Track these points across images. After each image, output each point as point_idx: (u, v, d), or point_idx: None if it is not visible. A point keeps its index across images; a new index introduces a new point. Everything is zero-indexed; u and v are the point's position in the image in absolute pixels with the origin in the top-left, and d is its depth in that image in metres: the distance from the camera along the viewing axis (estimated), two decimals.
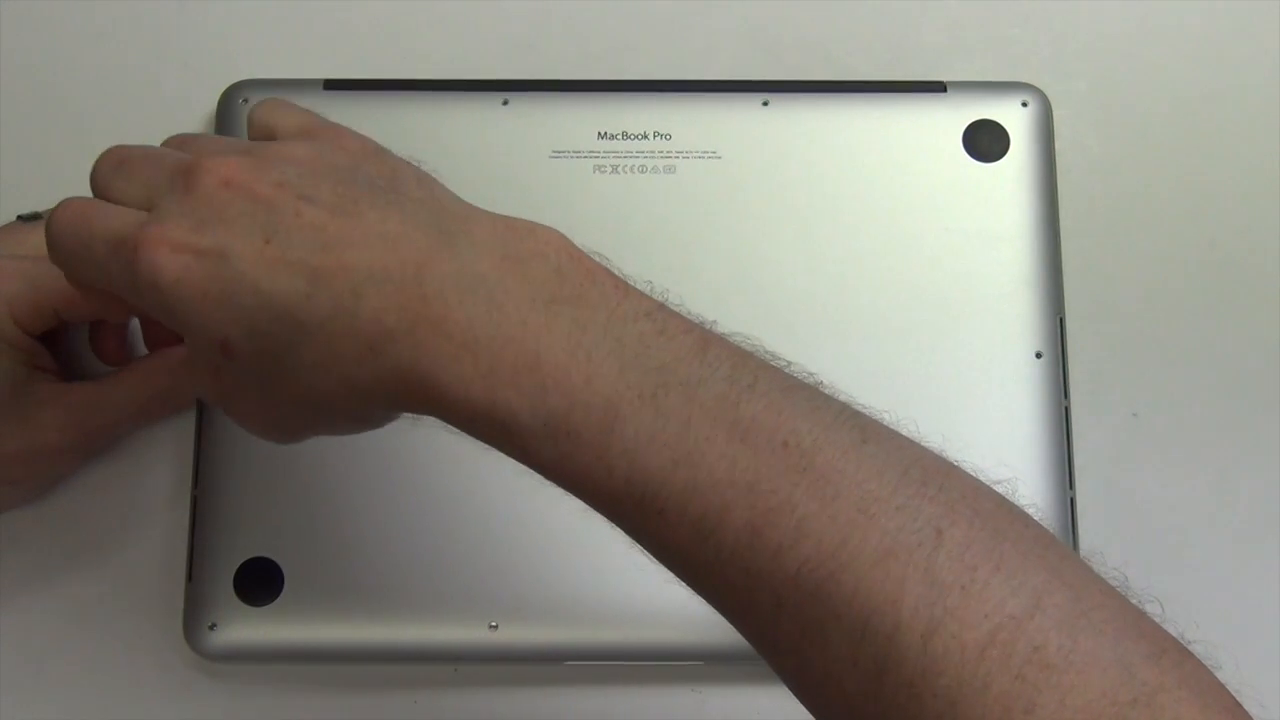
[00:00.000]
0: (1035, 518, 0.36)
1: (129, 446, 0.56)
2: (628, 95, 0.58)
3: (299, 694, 0.54)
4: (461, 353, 0.36)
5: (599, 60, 0.60)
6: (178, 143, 0.43)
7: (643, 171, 0.56)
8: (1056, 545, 0.36)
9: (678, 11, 0.61)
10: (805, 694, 0.36)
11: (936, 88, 0.58)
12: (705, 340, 0.37)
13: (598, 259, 0.39)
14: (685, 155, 0.56)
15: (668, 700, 0.53)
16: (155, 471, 0.55)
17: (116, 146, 0.43)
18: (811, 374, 0.38)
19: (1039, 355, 0.55)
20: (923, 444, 0.38)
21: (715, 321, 0.39)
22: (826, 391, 0.38)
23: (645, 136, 0.57)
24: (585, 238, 0.55)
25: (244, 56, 0.60)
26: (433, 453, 0.53)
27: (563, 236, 0.39)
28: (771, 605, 0.35)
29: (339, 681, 0.54)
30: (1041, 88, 0.58)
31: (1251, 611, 0.55)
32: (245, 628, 0.52)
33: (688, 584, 0.38)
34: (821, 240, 0.56)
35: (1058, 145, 0.58)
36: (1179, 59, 0.61)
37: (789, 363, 0.39)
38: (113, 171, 0.41)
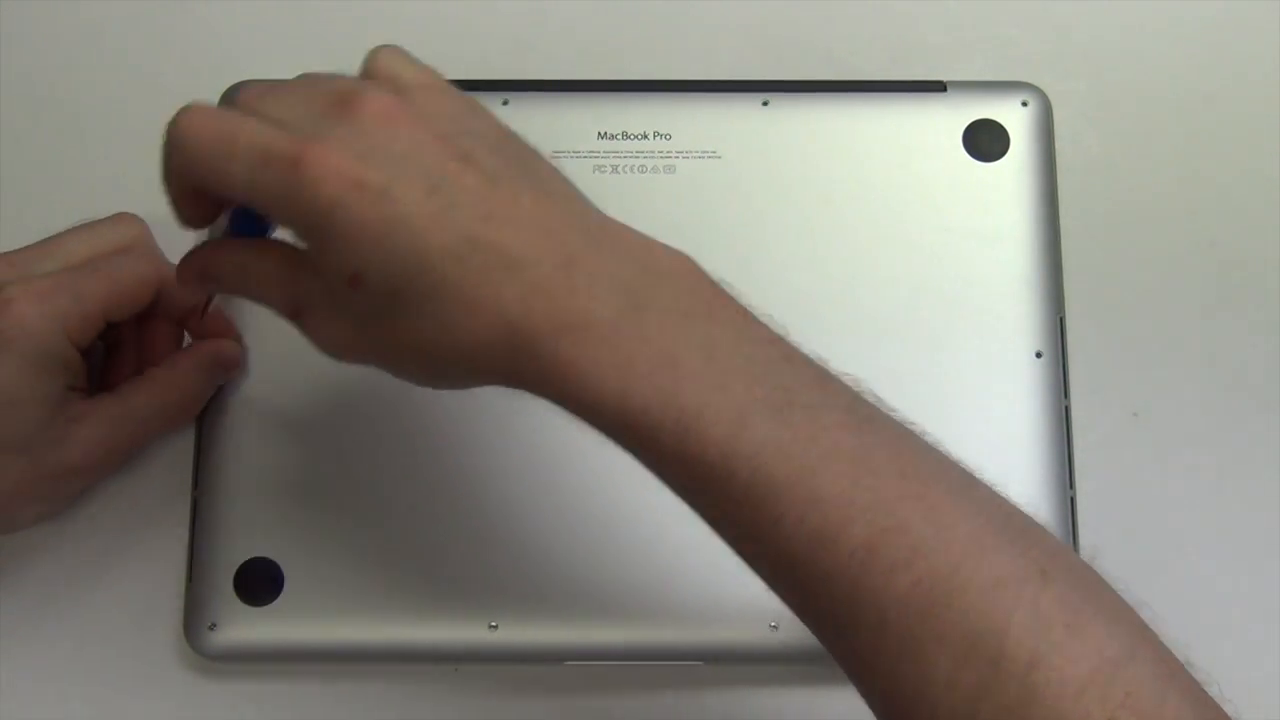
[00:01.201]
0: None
1: None
2: (628, 95, 0.58)
3: (299, 694, 0.54)
4: (601, 344, 0.37)
5: (599, 60, 0.60)
6: (312, 76, 0.43)
7: (643, 171, 0.56)
8: (1136, 611, 0.38)
9: (678, 11, 0.61)
10: (891, 714, 0.37)
11: (936, 88, 0.58)
12: (825, 374, 0.40)
13: (724, 285, 0.40)
14: (685, 155, 0.57)
15: (668, 700, 0.53)
16: (155, 471, 0.55)
17: (260, 80, 0.43)
18: (914, 423, 0.40)
19: (1039, 355, 0.55)
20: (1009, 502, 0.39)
21: (828, 361, 0.41)
22: (930, 442, 0.40)
23: (645, 136, 0.57)
24: None
25: (244, 56, 0.60)
26: (433, 453, 0.53)
27: (693, 260, 0.40)
28: (875, 622, 0.36)
29: (339, 681, 0.54)
30: (1041, 88, 0.58)
31: (1252, 611, 0.55)
32: (245, 628, 0.52)
33: (788, 596, 0.39)
34: (821, 240, 0.56)
35: (1058, 145, 0.58)
36: (1179, 59, 0.61)
37: (893, 409, 0.40)
38: (263, 92, 0.41)
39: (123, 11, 0.61)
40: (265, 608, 0.52)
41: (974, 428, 0.54)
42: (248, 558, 0.52)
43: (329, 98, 0.40)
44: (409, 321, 0.38)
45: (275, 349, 0.55)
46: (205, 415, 0.54)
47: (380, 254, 0.38)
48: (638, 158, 0.56)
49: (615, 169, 0.56)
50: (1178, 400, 0.57)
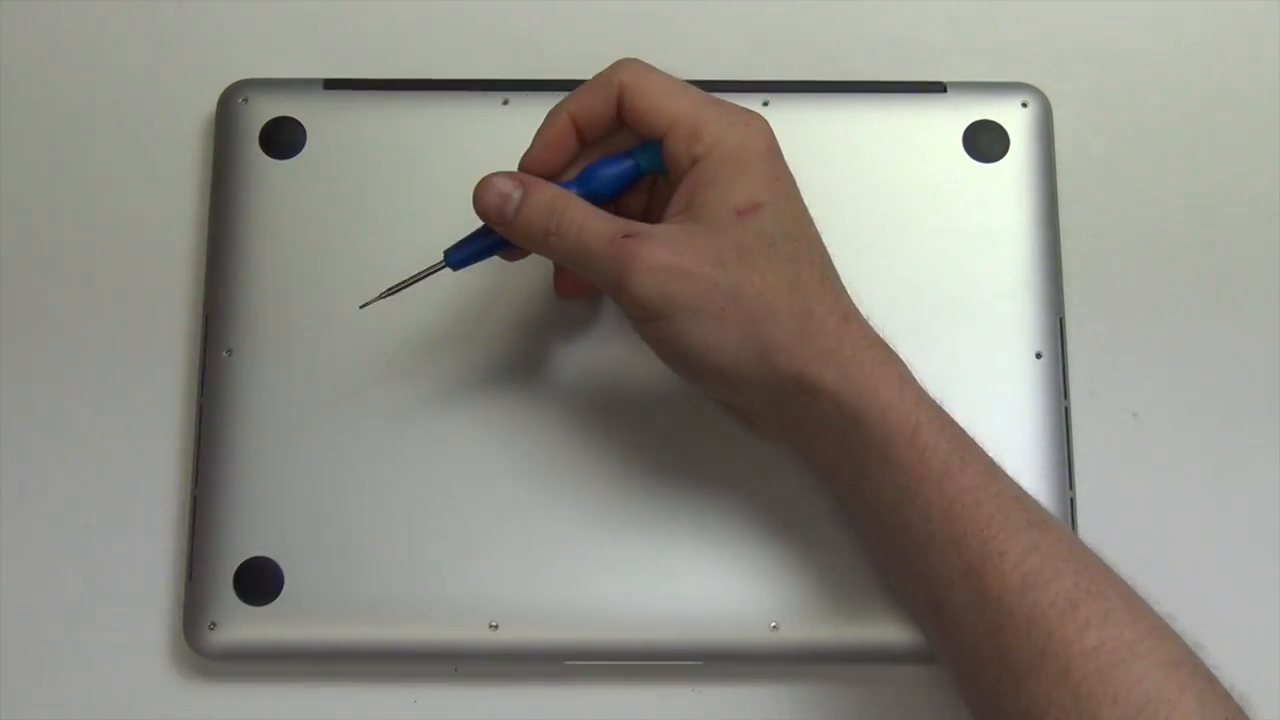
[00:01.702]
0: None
1: (129, 445, 0.56)
2: None
3: (299, 694, 0.54)
4: (901, 369, 0.46)
5: (599, 60, 0.60)
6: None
7: None
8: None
9: (678, 11, 0.61)
10: None
11: (936, 88, 0.58)
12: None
13: None
14: None
15: (668, 700, 0.53)
16: (155, 471, 0.55)
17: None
18: None
19: (1039, 355, 0.55)
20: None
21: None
22: None
23: None
24: None
25: (244, 56, 0.60)
26: (433, 453, 0.53)
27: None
28: (1058, 672, 0.40)
29: (339, 681, 0.54)
30: (1041, 88, 0.58)
31: (1252, 611, 0.54)
32: (245, 627, 0.52)
33: (984, 641, 0.42)
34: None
35: (1058, 145, 0.58)
36: (1179, 59, 0.61)
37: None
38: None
39: (123, 12, 0.61)
40: (265, 607, 0.52)
41: (974, 428, 0.53)
42: (248, 557, 0.52)
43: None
44: (773, 264, 0.44)
45: (276, 349, 0.55)
46: (205, 415, 0.54)
47: (782, 204, 0.45)
48: None
49: None
50: (1178, 400, 0.57)
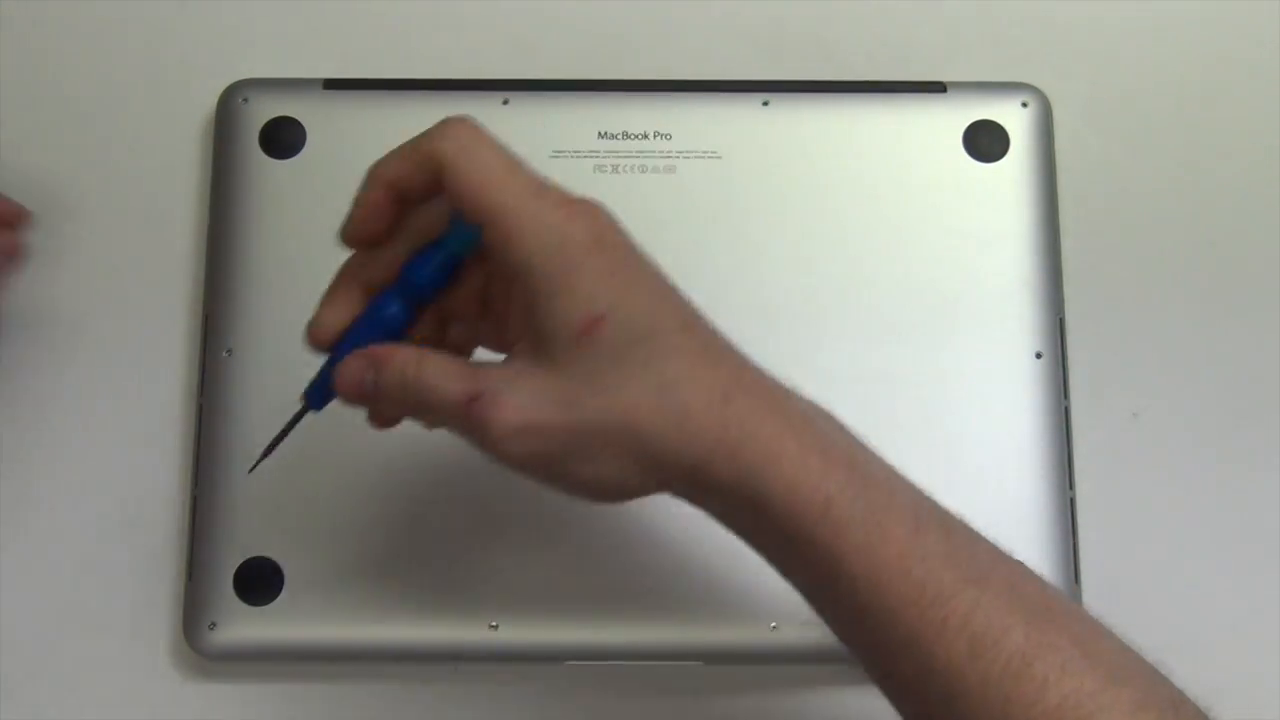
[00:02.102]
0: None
1: (129, 444, 0.56)
2: (628, 95, 0.58)
3: (299, 694, 0.54)
4: (802, 431, 0.40)
5: (599, 60, 0.60)
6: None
7: (643, 171, 0.56)
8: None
9: (678, 11, 0.61)
10: None
11: (936, 88, 0.58)
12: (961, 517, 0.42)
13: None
14: (685, 155, 0.57)
15: (668, 700, 0.53)
16: (155, 471, 0.55)
17: None
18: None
19: (1039, 355, 0.55)
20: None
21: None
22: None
23: (645, 136, 0.57)
24: None
25: (244, 56, 0.60)
26: (433, 454, 0.53)
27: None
28: None
29: (339, 681, 0.54)
30: (1041, 88, 0.58)
31: (1251, 611, 0.54)
32: (245, 627, 0.52)
33: (939, 710, 0.40)
34: (822, 240, 0.56)
35: (1058, 145, 0.58)
36: (1179, 59, 0.61)
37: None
38: None
39: (123, 12, 0.61)
40: (265, 607, 0.52)
41: (974, 428, 0.54)
42: (248, 557, 0.52)
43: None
44: (629, 377, 0.40)
45: (276, 349, 0.55)
46: (205, 415, 0.54)
47: (627, 300, 0.40)
48: (638, 158, 0.56)
49: (615, 169, 0.56)
50: (1178, 400, 0.57)
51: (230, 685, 0.54)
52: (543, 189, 0.41)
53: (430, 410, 0.42)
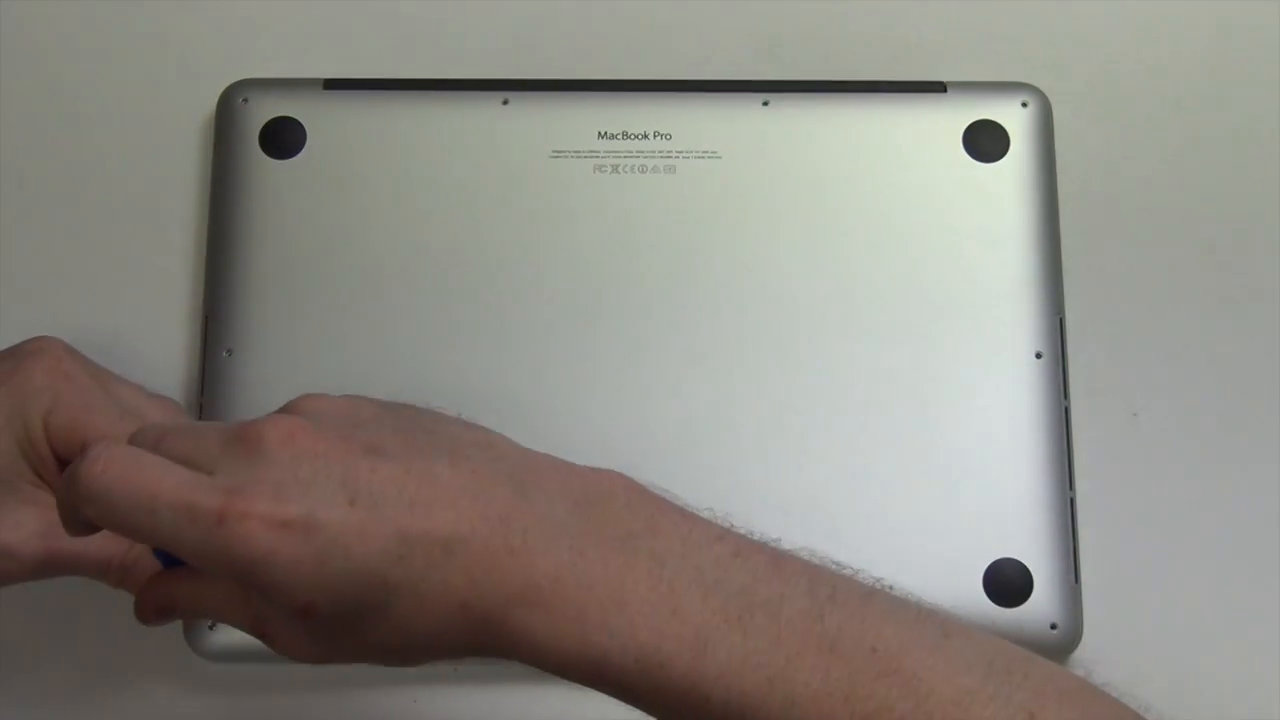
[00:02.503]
0: (1114, 694, 0.38)
1: None
2: (628, 95, 0.58)
3: (299, 694, 0.54)
4: (552, 601, 0.37)
5: (599, 60, 0.60)
6: (196, 425, 0.43)
7: (643, 171, 0.56)
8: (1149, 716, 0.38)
9: (678, 11, 0.61)
10: None
11: (936, 88, 0.58)
12: (779, 558, 0.39)
13: (660, 492, 0.40)
14: (685, 155, 0.57)
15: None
16: None
17: (153, 424, 0.41)
18: (879, 579, 0.40)
19: (1039, 355, 0.54)
20: (992, 636, 0.39)
21: (779, 539, 0.40)
22: (899, 595, 0.39)
23: (645, 136, 0.57)
24: (585, 238, 0.56)
25: (244, 56, 0.60)
26: None
27: (624, 475, 0.40)
28: None
29: (338, 681, 0.54)
30: (1041, 88, 0.58)
31: (1251, 610, 0.54)
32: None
33: None
34: (822, 240, 0.56)
35: (1058, 145, 0.58)
36: (1179, 59, 0.61)
37: (856, 570, 0.40)
38: (156, 438, 0.40)
39: (123, 12, 0.61)
40: None
41: (974, 428, 0.54)
42: None
43: (230, 438, 0.39)
44: (370, 629, 0.38)
45: (276, 349, 0.55)
46: (206, 415, 0.54)
47: (324, 581, 0.37)
48: (638, 158, 0.56)
49: (615, 169, 0.56)
50: (1178, 400, 0.57)
51: (230, 685, 0.54)
52: (192, 511, 0.37)
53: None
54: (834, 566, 0.39)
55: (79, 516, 0.39)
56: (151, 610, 0.43)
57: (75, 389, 0.48)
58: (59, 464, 0.48)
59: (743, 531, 0.40)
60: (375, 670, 0.53)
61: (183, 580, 0.42)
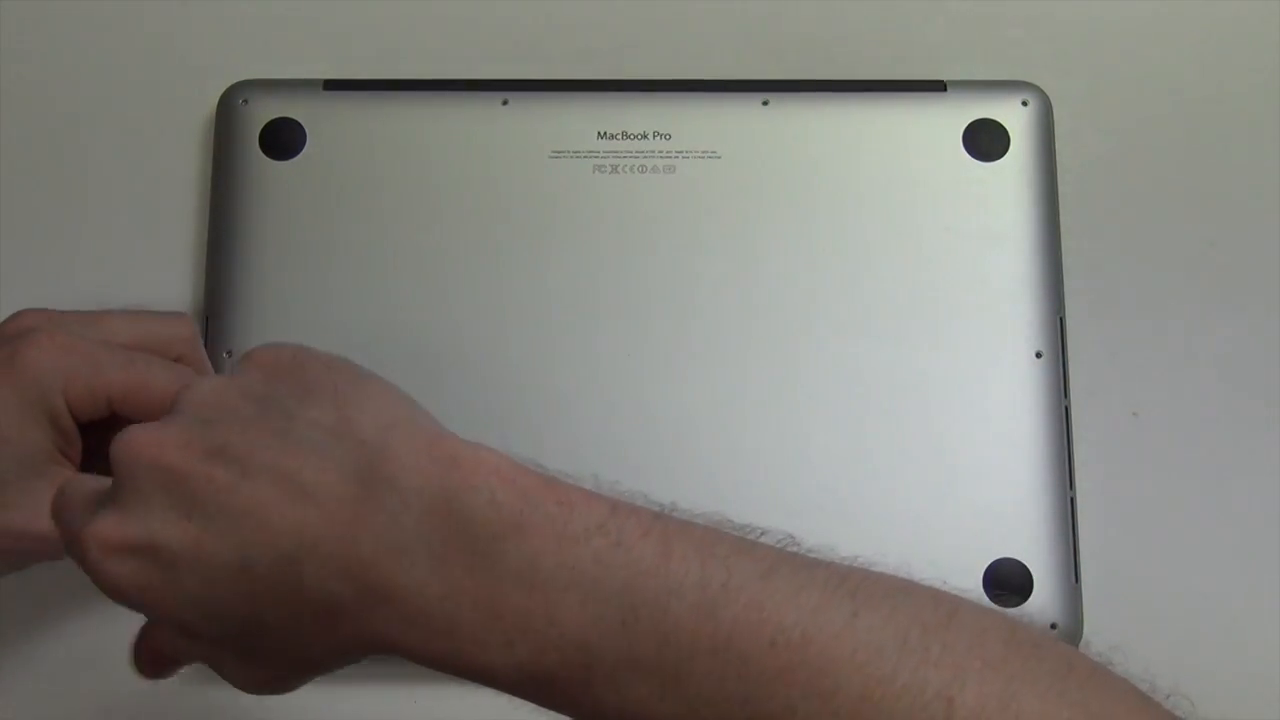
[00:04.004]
0: (1049, 636, 0.35)
1: None
2: (628, 95, 0.58)
3: (299, 694, 0.54)
4: (417, 617, 0.34)
5: (599, 60, 0.60)
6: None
7: (643, 171, 0.56)
8: (1077, 669, 0.34)
9: (678, 11, 0.61)
10: None
11: (936, 87, 0.58)
12: (667, 541, 0.35)
13: (533, 467, 0.36)
14: (685, 155, 0.57)
15: None
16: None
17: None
18: (788, 535, 0.36)
19: (1039, 355, 0.55)
20: (919, 584, 0.36)
21: (674, 504, 0.36)
22: (807, 557, 0.35)
23: (645, 136, 0.57)
24: (585, 238, 0.56)
25: (244, 56, 0.60)
26: None
27: (494, 455, 0.36)
28: None
29: (339, 680, 0.54)
30: (1041, 87, 0.58)
31: (1251, 610, 0.54)
32: None
33: None
34: (821, 240, 0.56)
35: (1058, 145, 0.58)
36: (1179, 59, 0.61)
37: (762, 531, 0.36)
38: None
39: (123, 11, 0.61)
40: None
41: (974, 428, 0.54)
42: None
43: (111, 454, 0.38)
44: (259, 640, 0.37)
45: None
46: None
47: (182, 599, 0.36)
48: (638, 158, 0.56)
49: (615, 169, 0.56)
50: (1178, 400, 0.57)
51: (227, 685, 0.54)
52: (70, 547, 0.38)
53: None
54: (735, 535, 0.36)
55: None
56: (150, 666, 0.43)
57: (79, 357, 0.47)
58: (83, 430, 0.47)
59: (631, 504, 0.36)
60: (376, 670, 0.53)
61: (159, 631, 0.41)
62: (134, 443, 0.37)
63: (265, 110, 0.57)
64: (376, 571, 0.34)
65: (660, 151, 0.57)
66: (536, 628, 0.34)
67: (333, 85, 0.58)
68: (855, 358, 0.54)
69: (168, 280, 0.57)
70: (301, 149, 0.57)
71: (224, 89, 0.58)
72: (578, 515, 0.35)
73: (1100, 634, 0.53)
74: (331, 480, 0.35)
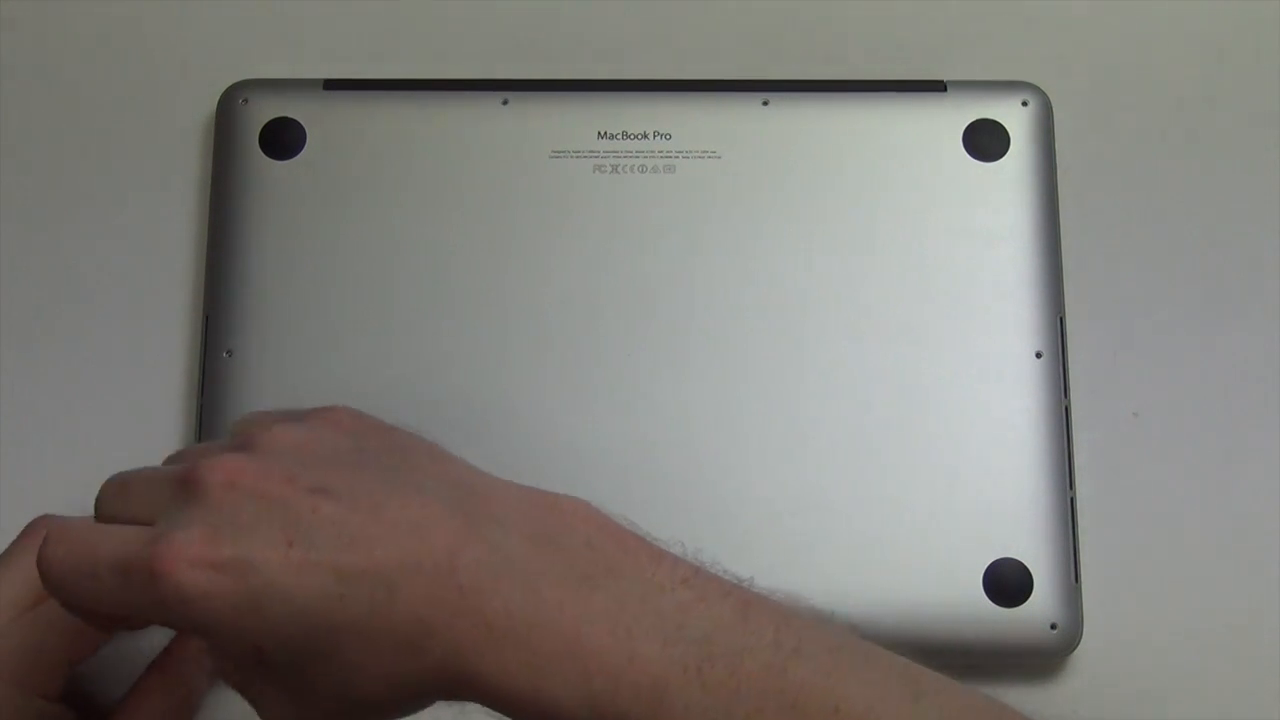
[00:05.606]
0: None
1: (129, 446, 0.56)
2: (628, 95, 0.58)
3: None
4: (503, 643, 0.35)
5: (599, 60, 0.60)
6: (174, 456, 0.42)
7: (643, 171, 0.56)
8: None
9: (678, 11, 0.61)
10: None
11: (936, 87, 0.58)
12: (746, 604, 0.37)
13: (624, 523, 0.38)
14: (685, 155, 0.57)
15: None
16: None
17: (117, 473, 0.41)
18: (855, 627, 0.38)
19: (1039, 355, 0.55)
20: (973, 687, 0.37)
21: (753, 578, 0.38)
22: (875, 645, 0.37)
23: (645, 136, 0.57)
24: (585, 238, 0.56)
25: (244, 56, 0.60)
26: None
27: (588, 505, 0.38)
28: None
29: None
30: (1041, 87, 0.58)
31: (1251, 611, 0.54)
32: None
33: None
34: (821, 240, 0.56)
35: (1058, 145, 0.58)
36: (1179, 59, 0.61)
37: (832, 614, 0.38)
38: (114, 495, 0.40)
39: (123, 12, 0.61)
40: None
41: (974, 428, 0.54)
42: None
43: (173, 482, 0.38)
44: (333, 675, 0.37)
45: (276, 349, 0.55)
46: (205, 415, 0.54)
47: (265, 624, 0.36)
48: (638, 158, 0.56)
49: (615, 169, 0.56)
50: (1178, 400, 0.57)
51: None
52: (126, 567, 0.37)
53: None
54: (810, 609, 0.38)
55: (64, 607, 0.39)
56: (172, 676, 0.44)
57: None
58: None
59: (713, 571, 0.38)
60: None
61: (185, 645, 0.42)
62: (233, 470, 0.37)
63: (265, 110, 0.57)
64: (472, 596, 0.35)
65: (660, 151, 0.57)
66: (616, 665, 0.35)
67: (333, 85, 0.58)
68: (855, 358, 0.54)
69: (167, 280, 0.58)
70: (301, 149, 0.57)
71: (224, 89, 0.58)
72: (666, 569, 0.37)
73: (1100, 634, 0.53)
74: (437, 514, 0.37)
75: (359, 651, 0.36)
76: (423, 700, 0.37)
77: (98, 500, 0.41)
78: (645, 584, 0.36)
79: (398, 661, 0.36)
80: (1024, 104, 0.58)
